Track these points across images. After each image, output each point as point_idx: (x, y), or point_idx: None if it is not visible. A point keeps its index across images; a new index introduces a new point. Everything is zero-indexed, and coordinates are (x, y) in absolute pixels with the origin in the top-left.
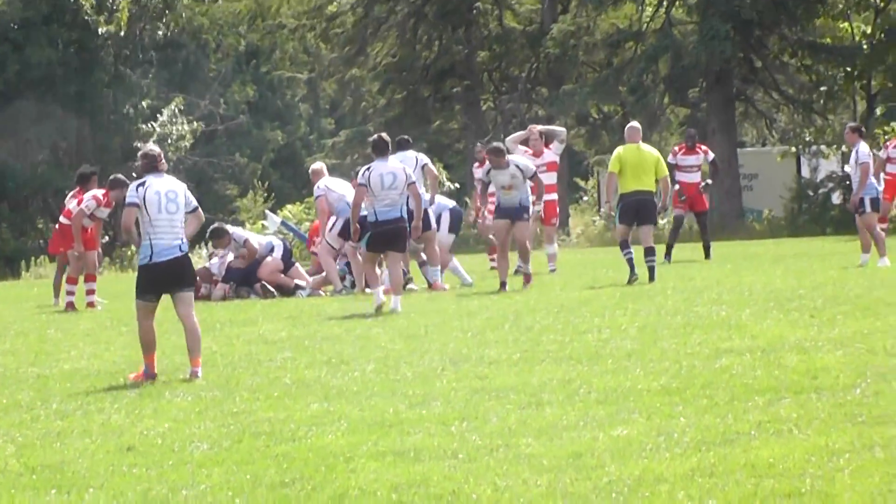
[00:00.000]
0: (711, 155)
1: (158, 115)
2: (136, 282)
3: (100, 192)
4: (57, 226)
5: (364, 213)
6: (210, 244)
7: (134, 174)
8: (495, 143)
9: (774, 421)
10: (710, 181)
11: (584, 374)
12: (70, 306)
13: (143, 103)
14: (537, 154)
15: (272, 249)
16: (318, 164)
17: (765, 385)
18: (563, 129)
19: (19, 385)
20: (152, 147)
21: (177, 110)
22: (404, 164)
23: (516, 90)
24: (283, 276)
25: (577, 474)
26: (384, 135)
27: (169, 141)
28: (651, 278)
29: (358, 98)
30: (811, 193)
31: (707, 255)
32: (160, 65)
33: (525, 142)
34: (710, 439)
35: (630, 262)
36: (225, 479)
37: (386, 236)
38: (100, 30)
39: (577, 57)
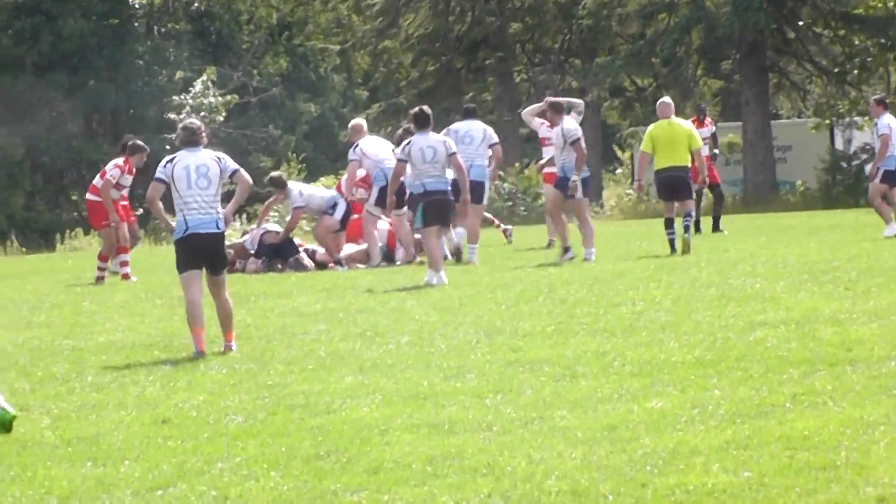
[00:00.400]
0: (713, 129)
1: (191, 87)
2: (175, 259)
3: (120, 160)
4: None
5: (411, 186)
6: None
7: (168, 147)
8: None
9: (809, 393)
10: (717, 151)
11: (618, 346)
12: (100, 280)
13: (177, 75)
14: (553, 126)
15: (334, 206)
16: (358, 120)
17: (799, 357)
18: (581, 102)
19: (54, 357)
20: (192, 120)
21: (210, 82)
22: (471, 132)
23: (549, 62)
24: (332, 239)
25: (611, 447)
26: (425, 108)
27: (202, 113)
28: (685, 231)
29: (391, 70)
30: (845, 165)
31: (716, 228)
32: (193, 36)
33: (542, 114)
34: (744, 412)
35: (671, 242)
36: (260, 452)
37: (434, 207)
38: (132, 1)
39: (611, 28)
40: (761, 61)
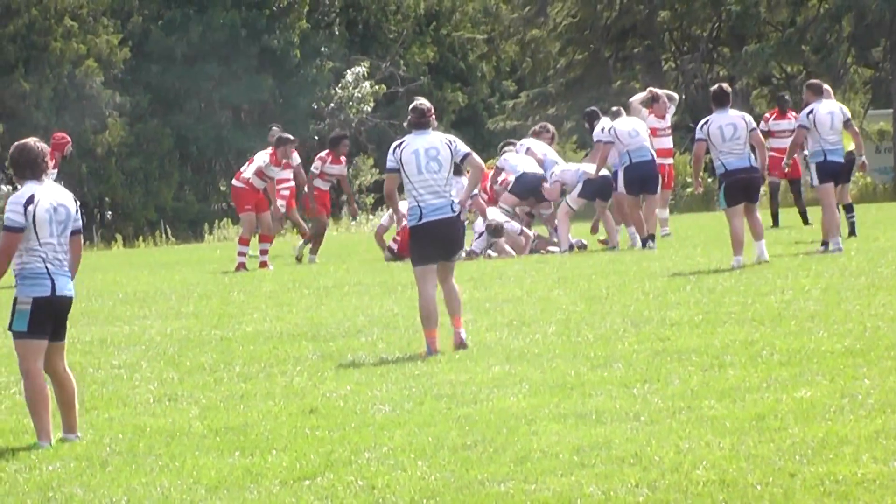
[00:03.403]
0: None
1: (342, 78)
2: (409, 247)
3: (268, 151)
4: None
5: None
6: None
7: (316, 137)
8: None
9: None
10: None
11: (766, 335)
12: (241, 267)
13: (327, 66)
14: (660, 116)
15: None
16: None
17: None
18: (676, 95)
19: (203, 348)
20: (422, 101)
21: (359, 73)
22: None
23: (697, 50)
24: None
25: (760, 436)
26: (724, 85)
27: (351, 103)
28: (851, 233)
29: (538, 59)
30: None
31: (805, 221)
32: (342, 27)
33: (648, 104)
34: (894, 401)
35: (852, 226)
36: (407, 442)
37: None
38: None
39: (760, 15)
40: None
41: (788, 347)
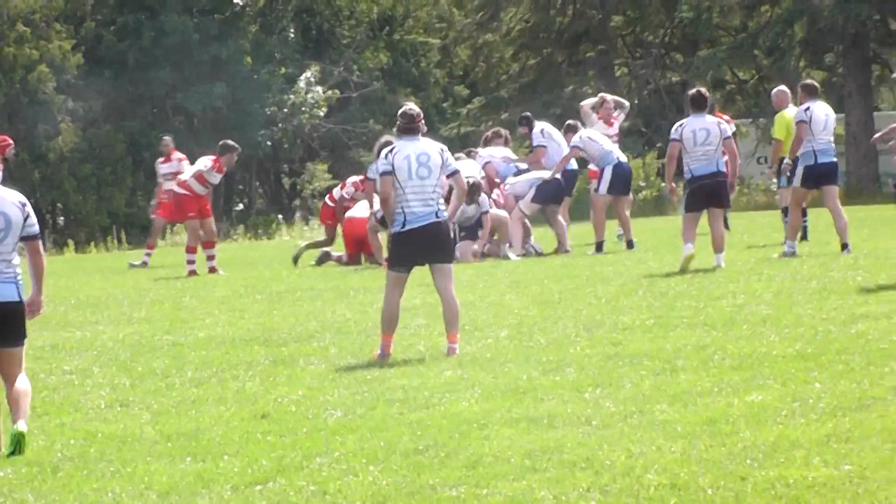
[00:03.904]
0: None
1: (295, 83)
2: (388, 252)
3: (213, 157)
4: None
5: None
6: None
7: (269, 143)
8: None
9: None
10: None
11: (718, 339)
12: (192, 273)
13: (280, 71)
14: (609, 123)
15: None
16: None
17: None
18: (627, 102)
19: (155, 353)
20: (412, 106)
21: (312, 78)
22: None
23: (650, 55)
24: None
25: (711, 440)
26: (702, 90)
27: (304, 108)
28: (803, 237)
29: (491, 64)
30: None
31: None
32: (295, 32)
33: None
34: (845, 405)
35: (805, 230)
36: (359, 447)
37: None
38: None
39: (712, 20)
40: (864, 53)
41: (740, 351)
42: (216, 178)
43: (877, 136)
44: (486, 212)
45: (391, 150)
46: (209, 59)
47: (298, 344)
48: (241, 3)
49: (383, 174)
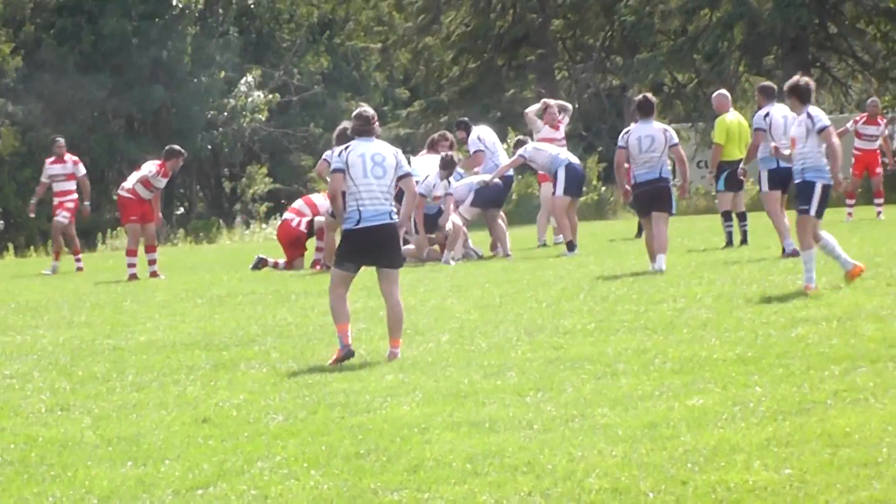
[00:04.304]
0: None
1: (235, 87)
2: (336, 248)
3: (159, 161)
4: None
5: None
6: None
7: (209, 146)
8: (767, 83)
9: (850, 390)
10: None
11: (659, 343)
12: (133, 277)
13: (220, 75)
14: (555, 127)
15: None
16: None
17: (841, 354)
18: (570, 106)
19: (95, 357)
20: (367, 108)
21: (252, 81)
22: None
23: (590, 59)
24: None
25: (652, 444)
26: (648, 95)
27: (244, 112)
28: (743, 241)
29: (431, 68)
30: (886, 161)
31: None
32: (236, 36)
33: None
34: (785, 409)
35: (730, 234)
36: (300, 451)
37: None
38: (174, 1)
39: (653, 24)
40: (803, 57)
41: (681, 355)
42: (162, 183)
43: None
44: (450, 194)
45: (346, 149)
46: (149, 63)
47: (239, 348)
48: (180, 7)
49: (335, 171)
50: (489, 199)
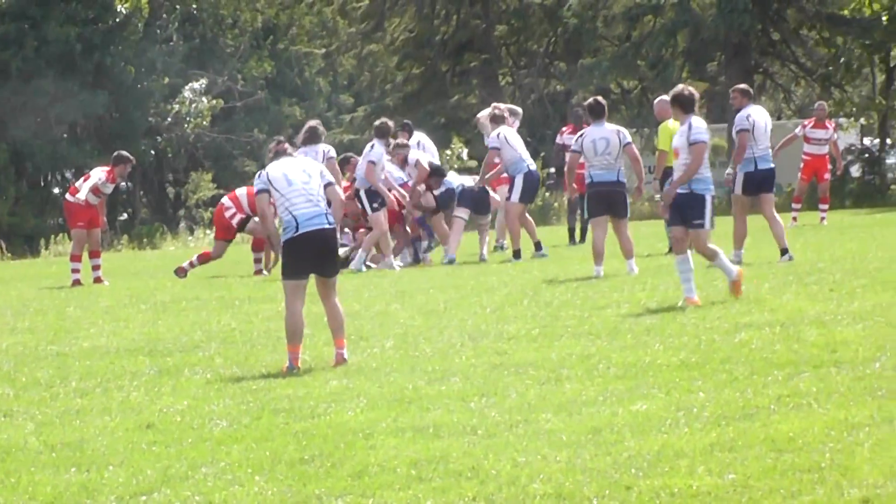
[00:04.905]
0: None
1: (179, 93)
2: (282, 264)
3: (106, 169)
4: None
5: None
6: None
7: (153, 151)
8: (743, 85)
9: (794, 395)
10: None
11: (603, 349)
12: (76, 283)
13: (163, 80)
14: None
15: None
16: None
17: (784, 359)
18: (520, 109)
19: (38, 363)
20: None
21: (196, 87)
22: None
23: (534, 64)
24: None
25: (596, 449)
26: (599, 98)
27: (188, 118)
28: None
29: (375, 73)
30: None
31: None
32: (180, 42)
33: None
34: (729, 414)
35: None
36: (244, 457)
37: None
38: (118, 7)
39: (596, 30)
40: (746, 63)
41: (624, 361)
42: (109, 189)
43: (777, 146)
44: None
45: (264, 170)
46: (92, 69)
47: (183, 354)
48: (124, 13)
49: (259, 192)
50: (470, 201)
